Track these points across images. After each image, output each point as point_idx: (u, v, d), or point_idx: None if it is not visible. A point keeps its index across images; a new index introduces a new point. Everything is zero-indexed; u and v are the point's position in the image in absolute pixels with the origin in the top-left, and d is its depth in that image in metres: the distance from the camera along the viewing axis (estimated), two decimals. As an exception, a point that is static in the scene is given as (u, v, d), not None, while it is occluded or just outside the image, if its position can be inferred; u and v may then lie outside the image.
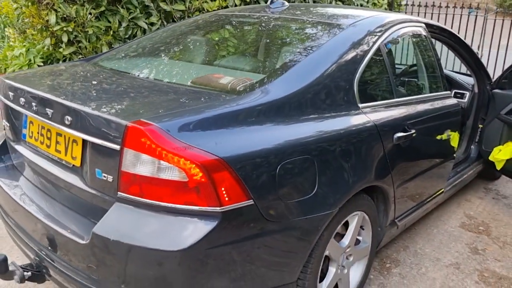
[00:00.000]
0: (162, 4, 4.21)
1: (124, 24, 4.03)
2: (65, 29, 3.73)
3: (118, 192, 1.54)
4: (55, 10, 3.71)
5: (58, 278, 1.78)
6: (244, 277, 1.66)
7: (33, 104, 1.82)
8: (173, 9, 4.27)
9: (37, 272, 1.85)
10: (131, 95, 1.87)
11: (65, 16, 3.77)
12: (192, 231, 1.48)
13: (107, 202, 1.59)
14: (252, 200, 1.55)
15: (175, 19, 4.35)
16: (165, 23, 4.32)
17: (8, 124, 2.13)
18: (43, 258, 1.81)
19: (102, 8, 3.89)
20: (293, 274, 1.83)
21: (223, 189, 1.48)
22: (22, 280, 1.79)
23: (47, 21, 3.73)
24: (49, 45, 3.89)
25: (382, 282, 2.52)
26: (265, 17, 2.72)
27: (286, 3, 2.84)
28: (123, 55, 2.57)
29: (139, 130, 1.45)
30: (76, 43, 3.90)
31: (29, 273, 1.83)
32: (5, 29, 5.07)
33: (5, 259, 1.79)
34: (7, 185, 2.03)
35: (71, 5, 3.77)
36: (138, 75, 2.18)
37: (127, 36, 4.10)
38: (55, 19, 3.70)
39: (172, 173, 1.46)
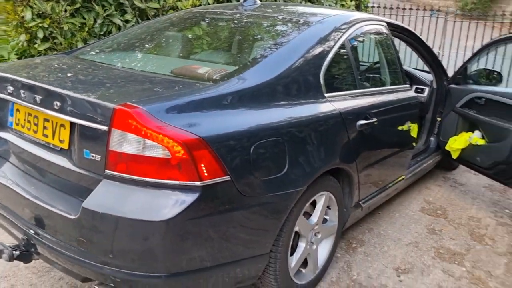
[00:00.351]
0: (136, 2, 4.23)
1: (99, 21, 4.02)
2: (40, 25, 3.75)
3: (106, 170, 1.65)
4: (31, 7, 3.70)
5: (46, 254, 1.86)
6: (221, 247, 1.80)
7: (21, 92, 1.90)
8: (148, 7, 4.29)
9: (25, 252, 1.90)
10: (115, 83, 1.98)
11: (40, 12, 3.76)
12: (175, 203, 1.60)
13: (95, 180, 1.70)
14: (228, 176, 1.70)
15: (149, 17, 4.37)
16: (139, 20, 4.32)
17: None
18: (31, 236, 1.87)
19: (78, 5, 3.88)
20: (266, 246, 1.98)
21: (202, 165, 1.62)
22: (11, 258, 1.84)
23: (23, 17, 3.73)
24: (24, 41, 3.90)
25: (348, 259, 2.72)
26: (238, 15, 2.86)
27: (258, 2, 2.98)
28: (103, 48, 2.65)
29: (126, 112, 1.58)
30: (51, 39, 3.90)
31: (18, 252, 1.87)
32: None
33: None
34: None
35: (46, 2, 3.78)
36: (121, 66, 2.28)
37: (102, 33, 4.10)
38: (31, 15, 3.72)
39: (156, 151, 1.59)
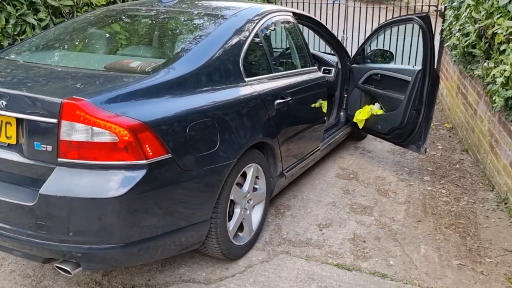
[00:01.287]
0: (49, 0, 4.20)
1: (12, 21, 3.90)
2: None
3: (58, 159, 1.81)
4: None
5: (5, 244, 1.96)
6: (168, 216, 2.04)
7: None
8: (61, 4, 4.22)
9: None
10: (54, 80, 2.10)
11: None
12: (125, 181, 1.81)
13: (48, 169, 1.84)
14: (170, 154, 1.94)
15: (63, 15, 4.30)
16: (54, 18, 4.24)
17: None
18: None
19: None
20: (207, 213, 2.24)
21: (147, 146, 1.85)
22: None
23: None
24: None
25: (278, 222, 3.08)
26: (160, 11, 3.00)
27: None
28: (30, 49, 2.68)
29: (73, 105, 1.76)
30: (-39, 42, 3.78)
31: None
32: None
33: None
34: None
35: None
36: (53, 64, 2.38)
37: (16, 33, 3.96)
38: None
39: (104, 137, 1.79)
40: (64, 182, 1.81)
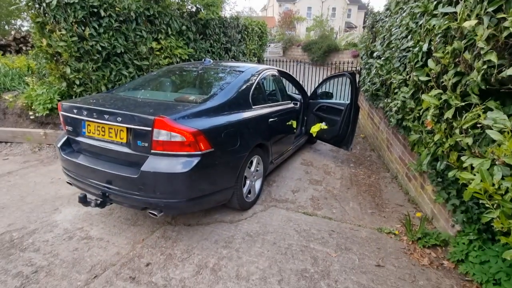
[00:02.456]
0: (135, 61, 4.18)
1: (113, 73, 4.01)
2: (77, 76, 3.67)
3: (151, 150, 1.88)
4: (69, 65, 3.63)
5: (117, 199, 2.01)
6: (211, 183, 2.10)
7: (94, 114, 2.02)
8: (142, 63, 4.29)
9: (103, 200, 2.02)
10: (147, 106, 2.14)
11: (75, 68, 3.69)
12: (189, 163, 1.89)
13: (144, 157, 1.90)
14: (213, 148, 2.01)
15: (143, 70, 4.36)
16: (137, 72, 4.30)
17: (71, 128, 2.21)
18: (106, 191, 2.00)
19: (99, 64, 3.85)
20: (233, 181, 2.30)
21: (201, 144, 1.93)
22: (96, 205, 1.98)
23: (64, 72, 3.63)
24: (65, 87, 3.77)
25: (269, 190, 3.12)
26: (202, 68, 3.01)
27: (212, 61, 3.20)
28: (129, 88, 2.69)
29: (160, 120, 1.84)
30: (83, 85, 3.83)
31: (99, 201, 2.01)
32: (25, 77, 4.58)
33: (85, 195, 2.01)
34: (75, 159, 2.14)
35: (79, 62, 3.70)
36: (140, 97, 2.40)
37: (116, 80, 4.05)
38: (70, 71, 3.63)
39: (177, 138, 1.86)
40: (154, 164, 1.87)
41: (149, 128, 1.86)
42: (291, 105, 3.61)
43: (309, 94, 4.45)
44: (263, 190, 3.10)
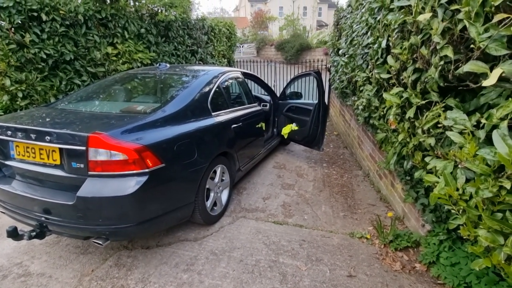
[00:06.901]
0: (89, 68, 3.90)
1: (64, 82, 3.67)
2: (19, 88, 3.30)
3: (89, 172, 1.66)
4: (9, 76, 3.25)
5: (57, 229, 1.77)
6: (166, 202, 1.90)
7: (19, 134, 1.77)
8: (97, 71, 4.00)
9: (40, 232, 1.79)
10: (82, 120, 1.89)
11: (17, 79, 3.32)
12: (135, 183, 1.67)
13: (81, 180, 1.67)
14: (164, 164, 1.80)
15: (99, 78, 4.07)
16: (93, 80, 4.00)
17: None
18: (43, 221, 1.76)
19: (46, 73, 3.50)
20: (192, 197, 2.12)
21: (148, 160, 1.72)
22: (30, 238, 1.74)
23: (3, 84, 3.24)
24: (7, 100, 3.37)
25: (239, 198, 2.97)
26: (157, 73, 2.83)
27: (168, 65, 3.01)
28: (71, 100, 2.45)
29: (95, 137, 1.61)
30: (29, 97, 3.45)
31: (34, 233, 1.76)
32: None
33: (15, 228, 1.74)
34: (5, 186, 1.88)
35: (21, 72, 3.33)
36: (84, 110, 2.17)
37: (67, 89, 3.74)
38: (10, 82, 3.24)
39: (119, 157, 1.64)
40: (93, 188, 1.65)
41: (83, 148, 1.62)
42: (259, 107, 3.48)
43: (278, 94, 4.35)
44: (232, 199, 2.94)
